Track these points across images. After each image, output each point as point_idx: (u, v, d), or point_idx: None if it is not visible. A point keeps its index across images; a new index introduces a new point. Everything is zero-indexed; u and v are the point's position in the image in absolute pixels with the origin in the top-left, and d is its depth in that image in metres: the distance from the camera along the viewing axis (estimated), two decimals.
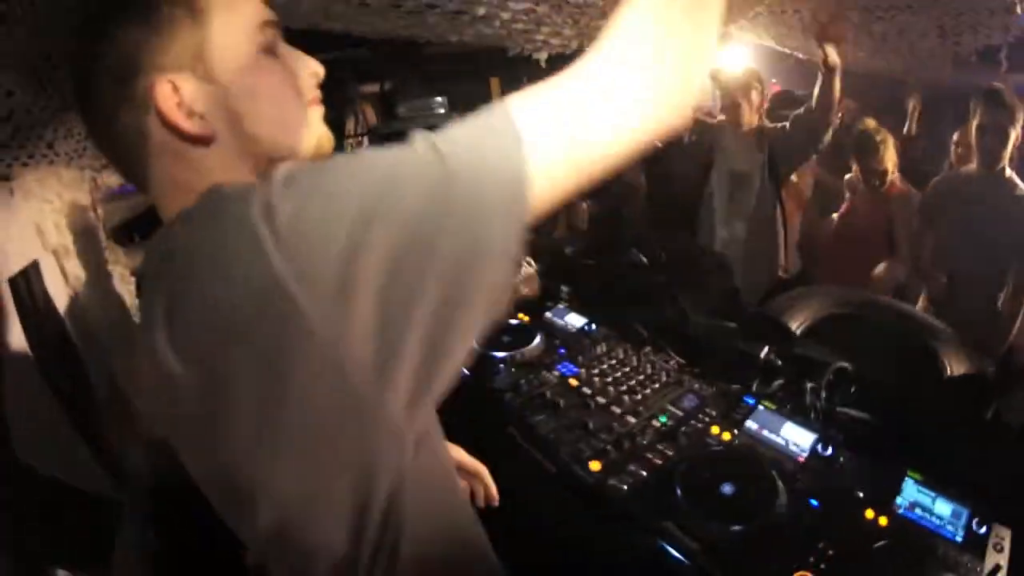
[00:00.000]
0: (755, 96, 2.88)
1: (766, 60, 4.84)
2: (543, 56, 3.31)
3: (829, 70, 2.45)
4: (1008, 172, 2.57)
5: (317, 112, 0.77)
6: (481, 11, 2.51)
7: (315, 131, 0.76)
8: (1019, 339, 2.48)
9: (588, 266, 2.35)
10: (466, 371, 1.81)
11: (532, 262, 2.20)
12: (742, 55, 4.25)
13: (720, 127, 2.98)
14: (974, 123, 2.57)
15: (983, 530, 1.40)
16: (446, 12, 2.53)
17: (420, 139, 0.59)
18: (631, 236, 2.48)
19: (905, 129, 3.90)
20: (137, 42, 0.65)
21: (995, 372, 2.18)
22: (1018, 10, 2.18)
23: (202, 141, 0.68)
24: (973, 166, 2.66)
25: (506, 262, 0.60)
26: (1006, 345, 2.48)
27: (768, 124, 2.95)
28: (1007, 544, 1.39)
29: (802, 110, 2.70)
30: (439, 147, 0.58)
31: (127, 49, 0.65)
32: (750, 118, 2.89)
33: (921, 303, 2.75)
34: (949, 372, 1.77)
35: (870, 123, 2.91)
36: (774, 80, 5.60)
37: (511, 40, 2.81)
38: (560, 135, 0.60)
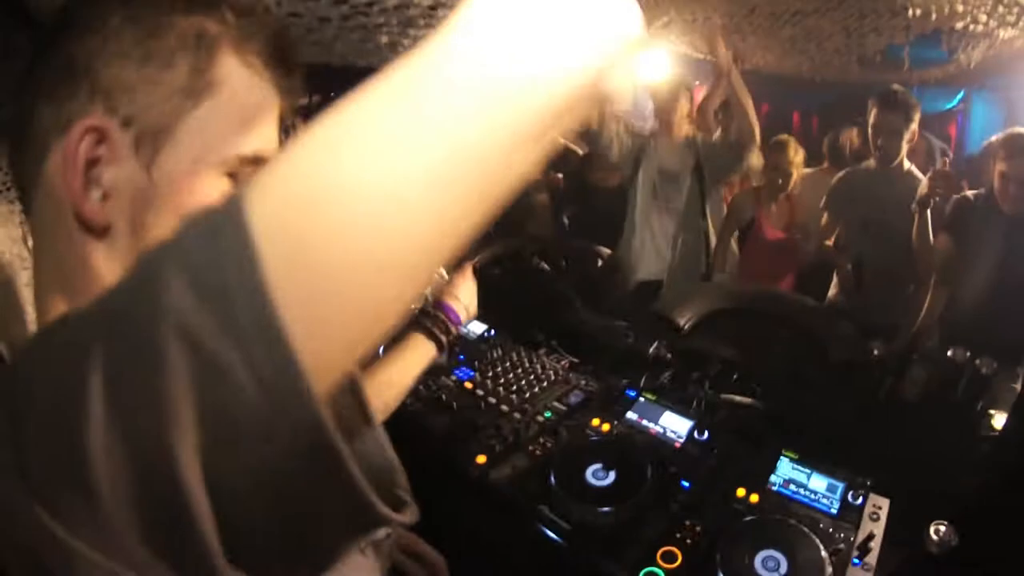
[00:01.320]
0: (684, 104, 2.95)
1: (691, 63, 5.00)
2: None
3: (720, 75, 2.53)
4: (907, 166, 2.65)
5: None
6: (384, 40, 2.61)
7: None
8: (925, 322, 2.52)
9: (493, 275, 2.38)
10: None
11: (444, 273, 2.23)
12: (667, 61, 4.42)
13: (651, 133, 3.05)
14: (870, 122, 2.64)
15: (859, 501, 1.42)
16: (349, 41, 2.63)
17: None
18: (535, 247, 2.51)
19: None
20: (91, 51, 0.50)
21: (896, 352, 2.25)
22: (916, 12, 2.30)
23: (93, 225, 0.51)
24: (872, 162, 2.73)
25: None
26: (915, 327, 2.52)
27: (699, 132, 3.03)
28: (884, 513, 1.41)
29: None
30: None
31: (73, 50, 0.51)
32: (679, 127, 2.95)
33: (832, 290, 2.82)
34: (836, 356, 1.80)
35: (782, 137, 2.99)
36: (698, 83, 5.77)
37: None
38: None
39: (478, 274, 2.38)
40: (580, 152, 3.37)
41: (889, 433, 1.75)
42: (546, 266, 2.38)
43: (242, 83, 0.54)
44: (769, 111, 4.54)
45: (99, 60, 0.50)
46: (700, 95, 3.44)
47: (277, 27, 0.57)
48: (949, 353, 1.97)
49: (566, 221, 3.79)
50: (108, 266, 0.52)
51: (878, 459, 1.58)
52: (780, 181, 2.89)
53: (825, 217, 2.83)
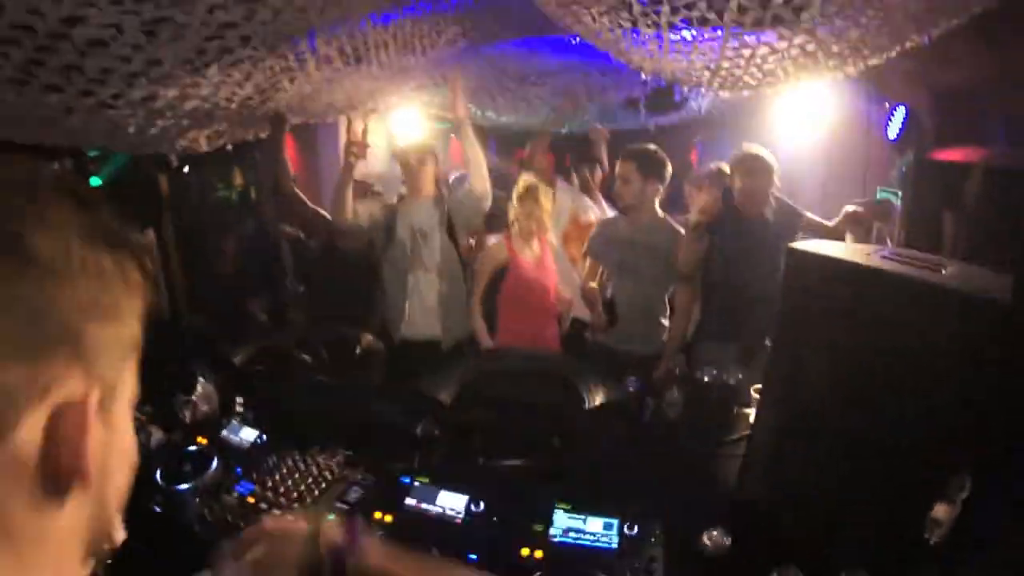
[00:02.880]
0: (430, 167, 3.06)
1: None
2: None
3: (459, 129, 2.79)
4: (660, 213, 2.96)
5: None
6: (132, 128, 2.44)
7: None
8: (672, 344, 2.85)
9: (258, 372, 2.29)
10: (158, 509, 1.68)
11: (204, 379, 2.08)
12: (416, 127, 4.61)
13: (400, 198, 3.18)
14: (619, 174, 2.89)
15: (635, 531, 1.53)
16: (97, 129, 2.43)
17: None
18: (292, 337, 2.45)
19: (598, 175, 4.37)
20: (60, 303, 0.45)
21: (658, 380, 2.51)
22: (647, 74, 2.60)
23: (67, 484, 0.47)
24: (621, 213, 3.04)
25: None
26: (667, 352, 2.84)
27: (444, 192, 3.17)
28: (658, 534, 1.53)
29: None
30: None
31: (32, 294, 0.43)
32: (427, 187, 3.07)
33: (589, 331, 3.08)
34: (588, 402, 1.95)
35: (526, 177, 3.18)
36: (452, 135, 6.09)
37: (170, 148, 2.77)
38: None
39: (239, 375, 2.27)
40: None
41: (654, 455, 1.93)
42: (306, 357, 2.32)
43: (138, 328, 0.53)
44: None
45: (74, 316, 0.45)
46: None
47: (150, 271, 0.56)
48: (698, 374, 2.24)
49: (301, 288, 3.76)
50: (73, 517, 0.48)
51: (646, 485, 1.74)
52: (533, 226, 3.04)
53: (587, 262, 3.09)
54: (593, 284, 2.92)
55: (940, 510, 1.11)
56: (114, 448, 0.51)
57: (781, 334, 1.63)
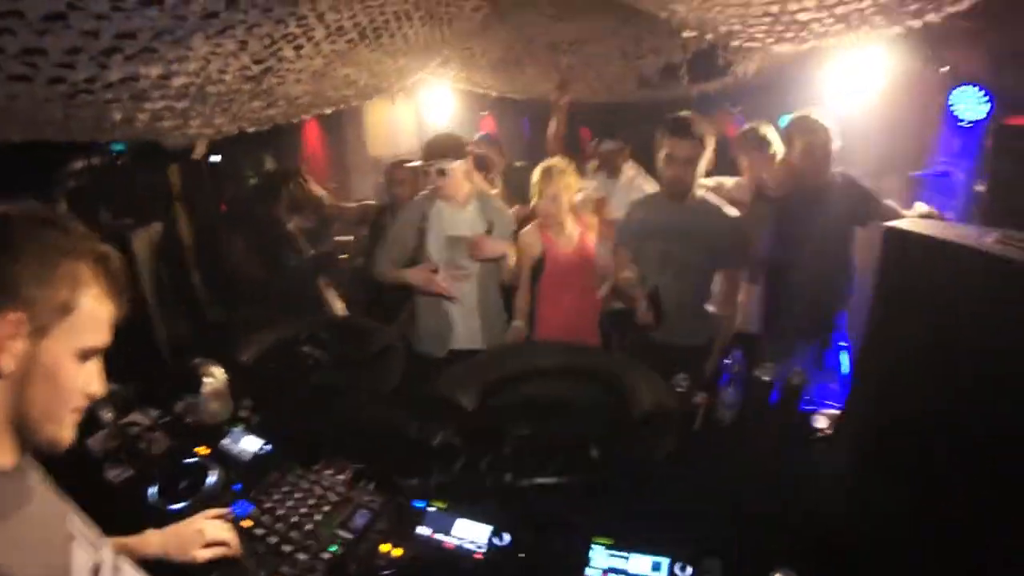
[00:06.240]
0: (463, 167, 2.67)
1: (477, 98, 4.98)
2: (201, 147, 3.08)
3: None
4: (700, 194, 2.55)
5: (75, 419, 0.91)
6: (118, 116, 2.25)
7: (69, 435, 0.90)
8: (725, 337, 2.55)
9: (269, 371, 2.08)
10: None
11: (214, 376, 1.89)
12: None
13: (428, 197, 2.79)
14: (663, 152, 2.48)
15: (688, 572, 1.27)
16: (82, 119, 2.26)
17: None
18: (307, 331, 2.21)
19: None
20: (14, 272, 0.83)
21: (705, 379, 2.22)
22: (691, 29, 2.29)
23: None
24: (663, 192, 2.62)
25: None
26: (718, 347, 2.53)
27: (488, 188, 2.85)
28: (719, 574, 1.27)
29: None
30: None
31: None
32: (462, 186, 2.71)
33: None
34: (636, 405, 1.67)
35: (556, 159, 2.81)
36: (485, 113, 5.81)
37: (165, 137, 2.56)
38: None
39: (249, 372, 2.08)
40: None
41: (711, 469, 1.65)
42: (319, 353, 2.10)
43: (91, 305, 0.89)
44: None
45: (20, 279, 0.83)
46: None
47: (117, 269, 0.93)
48: (757, 372, 1.94)
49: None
50: None
51: (700, 512, 1.47)
52: (555, 210, 2.74)
53: (619, 251, 2.70)
54: (629, 274, 2.51)
55: None
56: (39, 367, 0.85)
57: (876, 328, 1.34)
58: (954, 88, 3.07)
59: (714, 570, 1.28)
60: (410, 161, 3.21)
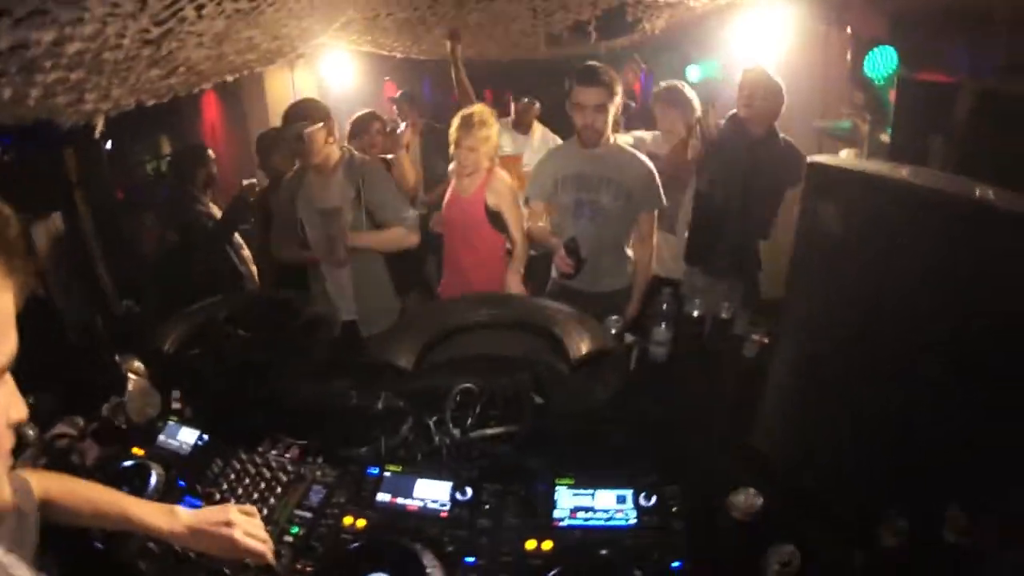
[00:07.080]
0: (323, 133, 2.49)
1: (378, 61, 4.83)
2: (100, 124, 2.84)
3: None
4: (612, 139, 2.59)
5: (6, 466, 0.72)
6: (7, 93, 2.02)
7: (6, 493, 0.72)
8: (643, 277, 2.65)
9: (193, 357, 1.98)
10: (99, 545, 1.37)
11: (139, 372, 1.77)
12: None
13: (298, 172, 2.68)
14: (574, 101, 2.49)
15: (652, 500, 1.31)
16: None
17: None
18: (225, 311, 2.11)
19: None
20: None
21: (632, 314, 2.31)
22: None
23: None
24: (575, 140, 2.61)
25: None
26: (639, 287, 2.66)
27: (356, 153, 2.68)
28: (680, 501, 1.31)
29: None
30: None
31: None
32: (325, 151, 2.53)
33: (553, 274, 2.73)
34: (576, 352, 1.70)
35: (477, 108, 2.74)
36: (388, 78, 5.69)
37: (59, 115, 2.33)
38: None
39: (172, 361, 1.96)
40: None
41: (654, 403, 1.72)
42: (242, 332, 2.01)
43: None
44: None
45: None
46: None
47: (14, 236, 0.69)
48: (687, 308, 2.02)
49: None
50: None
51: (649, 445, 1.53)
52: (471, 161, 2.70)
53: (532, 204, 2.70)
54: (541, 223, 2.54)
55: None
56: None
57: (801, 255, 1.41)
58: (869, 48, 3.24)
59: (676, 496, 1.32)
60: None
